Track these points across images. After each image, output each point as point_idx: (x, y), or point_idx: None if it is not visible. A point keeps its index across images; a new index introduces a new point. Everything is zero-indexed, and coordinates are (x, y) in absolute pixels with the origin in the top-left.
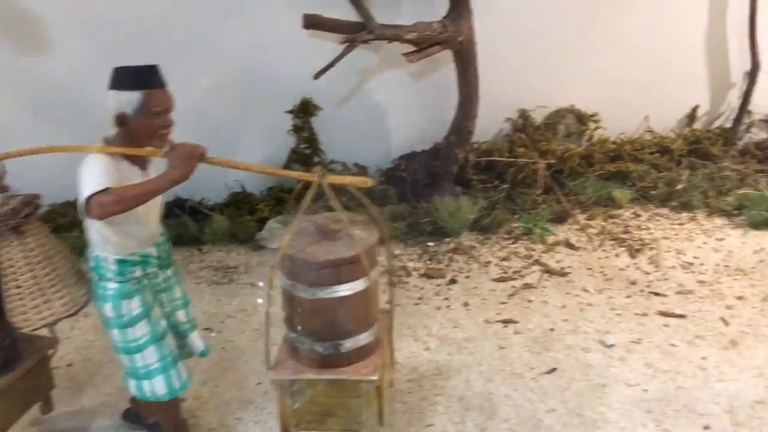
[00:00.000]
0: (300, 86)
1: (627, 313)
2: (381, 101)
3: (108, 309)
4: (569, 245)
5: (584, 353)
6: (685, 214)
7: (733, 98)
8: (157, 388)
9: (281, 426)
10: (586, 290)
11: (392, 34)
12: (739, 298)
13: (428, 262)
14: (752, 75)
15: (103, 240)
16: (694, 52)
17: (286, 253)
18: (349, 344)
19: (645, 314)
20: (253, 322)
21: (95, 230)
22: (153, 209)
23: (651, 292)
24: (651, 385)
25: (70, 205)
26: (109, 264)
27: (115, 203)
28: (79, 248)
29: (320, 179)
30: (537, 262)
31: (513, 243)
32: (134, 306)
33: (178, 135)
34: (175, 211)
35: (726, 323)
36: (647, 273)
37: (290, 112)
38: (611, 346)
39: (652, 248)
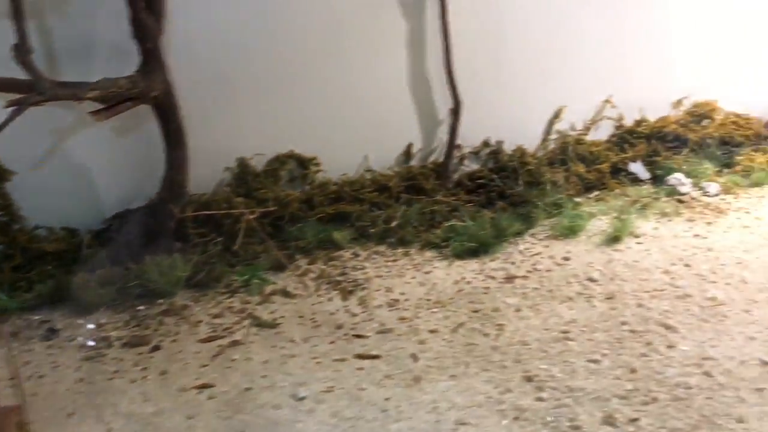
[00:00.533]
0: None
1: (326, 360)
2: (85, 160)
3: None
4: (286, 293)
5: (274, 410)
6: (400, 250)
7: (443, 134)
8: None
9: None
10: (292, 340)
11: (69, 93)
12: (432, 331)
13: (135, 328)
14: (455, 112)
15: None
16: (401, 94)
17: None
18: None
19: (344, 359)
20: None
21: None
22: None
23: (354, 335)
24: None
25: None
26: None
27: None
28: None
29: None
30: (250, 315)
31: (229, 297)
32: None
33: None
34: None
35: (415, 359)
36: (354, 315)
37: None
38: (302, 398)
39: (364, 288)
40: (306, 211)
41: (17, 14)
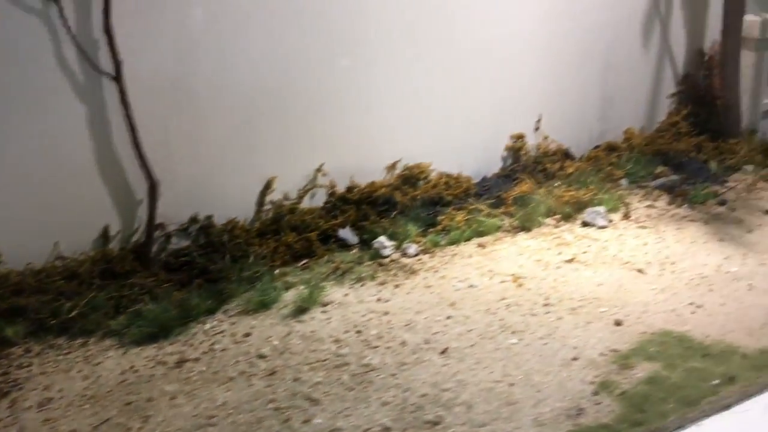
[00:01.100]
0: None
1: None
2: None
3: None
4: None
5: None
6: (79, 341)
7: (144, 214)
8: None
9: None
10: None
11: None
12: (73, 431)
13: None
14: (152, 191)
15: None
16: (92, 176)
17: None
18: None
19: None
20: None
21: None
22: None
23: None
24: None
25: None
26: None
27: None
28: None
29: None
30: None
31: None
32: None
33: None
34: None
35: None
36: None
37: None
38: None
39: (20, 388)
40: None
41: None
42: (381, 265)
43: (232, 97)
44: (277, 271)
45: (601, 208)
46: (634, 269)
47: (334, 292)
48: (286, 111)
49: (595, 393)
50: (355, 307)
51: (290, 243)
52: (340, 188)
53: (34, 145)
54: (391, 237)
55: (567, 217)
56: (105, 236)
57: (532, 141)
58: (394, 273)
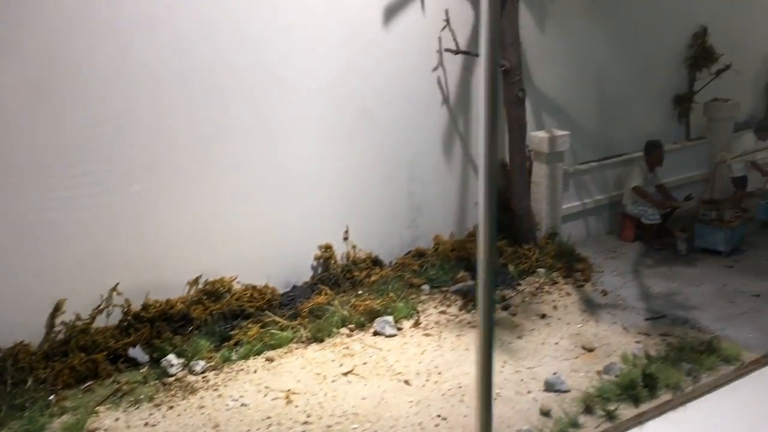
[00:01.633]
0: None
1: None
2: None
3: None
4: None
5: None
6: None
7: None
8: None
9: None
10: None
11: None
12: None
13: None
14: None
15: None
16: None
17: None
18: None
19: None
20: None
21: None
22: None
23: None
24: None
25: None
26: None
27: None
28: None
29: None
30: None
31: None
32: None
33: None
34: None
35: None
36: None
37: None
38: None
39: None
40: None
41: None
42: (164, 384)
43: (22, 225)
44: (51, 397)
45: (390, 318)
46: (403, 380)
47: (106, 417)
48: (77, 235)
49: None
50: None
51: (75, 365)
52: (137, 306)
53: None
54: (180, 354)
55: (361, 327)
56: None
57: (342, 249)
58: (174, 393)
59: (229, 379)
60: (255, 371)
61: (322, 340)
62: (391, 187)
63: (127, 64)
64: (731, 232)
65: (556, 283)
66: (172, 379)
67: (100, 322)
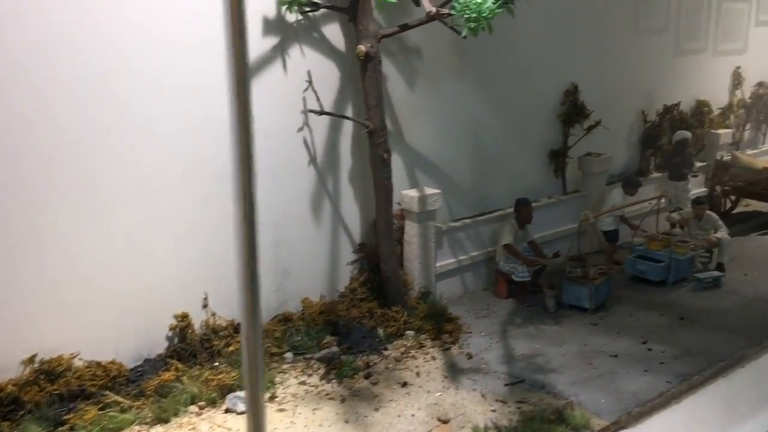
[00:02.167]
0: None
1: None
2: None
3: None
4: None
5: None
6: None
7: None
8: None
9: None
10: None
11: None
12: None
13: None
14: None
15: None
16: None
17: None
18: None
19: None
20: None
21: None
22: None
23: None
24: None
25: None
26: None
27: None
28: None
29: None
30: None
31: None
32: None
33: None
34: None
35: None
36: None
37: None
38: None
39: None
40: None
41: None
42: None
43: None
44: None
45: (242, 393)
46: None
47: None
48: None
49: None
50: None
51: None
52: None
53: None
54: None
55: (212, 403)
56: None
57: (202, 317)
58: None
59: None
60: None
61: (167, 421)
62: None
63: None
64: (596, 288)
65: (423, 346)
66: None
67: None
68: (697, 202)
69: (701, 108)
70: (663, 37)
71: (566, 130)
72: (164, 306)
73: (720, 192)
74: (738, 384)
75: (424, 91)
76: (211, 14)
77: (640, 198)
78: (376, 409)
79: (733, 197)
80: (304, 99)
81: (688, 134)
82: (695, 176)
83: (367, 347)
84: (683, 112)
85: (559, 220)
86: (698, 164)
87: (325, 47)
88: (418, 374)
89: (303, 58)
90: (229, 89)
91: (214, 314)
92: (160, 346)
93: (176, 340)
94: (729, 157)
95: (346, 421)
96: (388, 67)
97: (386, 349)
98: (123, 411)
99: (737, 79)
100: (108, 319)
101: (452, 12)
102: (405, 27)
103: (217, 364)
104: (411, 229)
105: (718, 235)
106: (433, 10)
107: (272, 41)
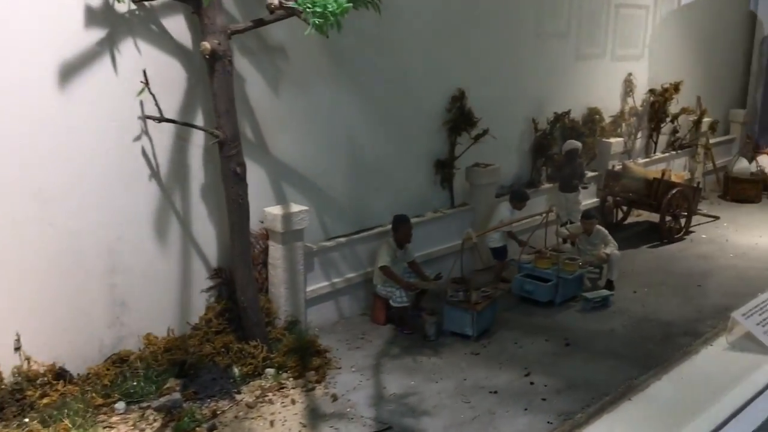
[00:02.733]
0: None
1: None
2: None
3: None
4: None
5: None
6: None
7: None
8: None
9: None
10: None
11: None
12: None
13: None
14: None
15: None
16: None
17: None
18: None
19: None
20: None
21: None
22: None
23: None
24: None
25: None
26: None
27: None
28: None
29: None
30: None
31: None
32: None
33: None
34: None
35: None
36: None
37: None
38: None
39: None
40: None
41: None
42: None
43: None
44: None
45: None
46: None
47: None
48: None
49: None
50: None
51: None
52: None
53: None
54: None
55: None
56: None
57: (15, 362)
58: None
59: None
60: None
61: None
62: (83, 280)
63: None
64: (479, 314)
65: (284, 387)
66: None
67: None
68: (585, 216)
69: (593, 116)
70: (559, 42)
71: (453, 139)
72: None
73: (612, 202)
74: (624, 419)
75: (290, 96)
76: None
77: (530, 212)
78: None
79: (624, 208)
80: (141, 103)
81: (577, 144)
82: (585, 187)
83: (217, 391)
84: (575, 120)
85: (446, 235)
86: (590, 174)
87: (167, 43)
88: (272, 423)
89: (139, 56)
90: None
91: (28, 359)
92: None
93: None
94: (620, 167)
95: None
96: (247, 68)
97: (240, 392)
98: None
99: (629, 87)
100: None
101: (294, 5)
102: (260, 22)
103: (27, 420)
104: (275, 251)
105: (608, 250)
106: (275, 1)
107: (98, 35)
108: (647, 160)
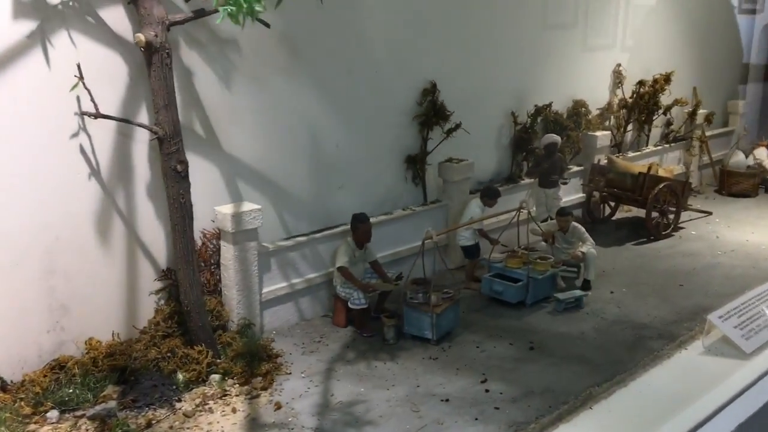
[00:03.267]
0: None
1: None
2: None
3: None
4: None
5: None
6: None
7: None
8: None
9: None
10: None
11: None
12: None
13: None
14: None
15: None
16: None
17: None
18: None
19: None
20: None
21: None
22: None
23: None
24: None
25: None
26: None
27: None
28: None
29: None
30: None
31: None
32: None
33: None
34: None
35: None
36: None
37: None
38: None
39: None
40: None
41: None
42: None
43: None
44: None
45: None
46: None
47: None
48: None
49: None
50: None
51: None
52: None
53: None
54: None
55: None
56: None
57: None
58: None
59: None
60: None
61: None
62: (19, 283)
63: None
64: (438, 317)
65: (227, 394)
66: None
67: None
68: (560, 213)
69: (578, 108)
70: (540, 32)
71: (425, 134)
72: None
73: (598, 198)
74: (581, 429)
75: (244, 90)
76: None
77: (505, 209)
78: None
79: (612, 203)
80: (78, 99)
81: (556, 138)
82: (565, 183)
83: (157, 398)
84: (558, 113)
85: (418, 233)
86: (575, 168)
87: (106, 36)
88: None
89: (74, 49)
90: None
91: None
92: None
93: None
94: (606, 161)
95: None
96: (196, 61)
97: (181, 399)
98: None
99: (618, 78)
100: None
101: None
102: (201, 13)
103: None
104: (227, 252)
105: (584, 249)
106: None
107: (28, 27)
108: (638, 153)
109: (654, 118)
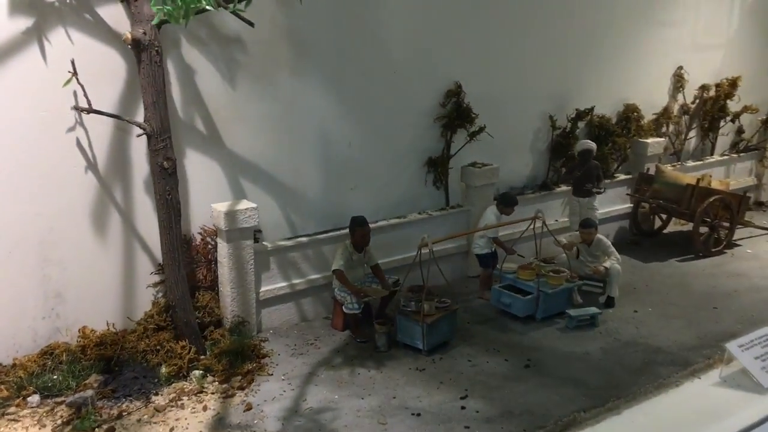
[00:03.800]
0: None
1: None
2: None
3: None
4: None
5: None
6: None
7: None
8: None
9: None
10: None
11: None
12: None
13: None
14: None
15: None
16: None
17: None
18: None
19: None
20: None
21: None
22: None
23: None
24: None
25: None
26: None
27: None
28: None
29: None
30: None
31: None
32: None
33: None
34: None
35: None
36: None
37: None
38: None
39: None
40: None
41: None
42: None
43: None
44: None
45: None
46: None
47: None
48: None
49: None
50: None
51: None
52: None
53: None
54: None
55: None
56: None
57: None
58: None
59: None
60: None
61: None
62: (15, 271)
63: None
64: (429, 327)
65: (203, 391)
66: None
67: None
68: (583, 225)
69: (629, 113)
70: (586, 29)
71: (448, 136)
72: None
73: (648, 209)
74: None
75: (250, 89)
76: None
77: (523, 218)
78: None
79: (664, 215)
80: (75, 94)
81: (592, 144)
82: (600, 192)
83: (136, 390)
84: (605, 117)
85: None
86: (622, 177)
87: (102, 32)
88: (171, 430)
89: (71, 45)
90: None
91: None
92: None
93: None
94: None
95: None
96: (197, 58)
97: (158, 393)
98: None
99: (679, 81)
100: None
101: None
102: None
103: None
104: (222, 249)
105: (607, 264)
106: None
107: (25, 23)
108: (699, 162)
109: (721, 125)
